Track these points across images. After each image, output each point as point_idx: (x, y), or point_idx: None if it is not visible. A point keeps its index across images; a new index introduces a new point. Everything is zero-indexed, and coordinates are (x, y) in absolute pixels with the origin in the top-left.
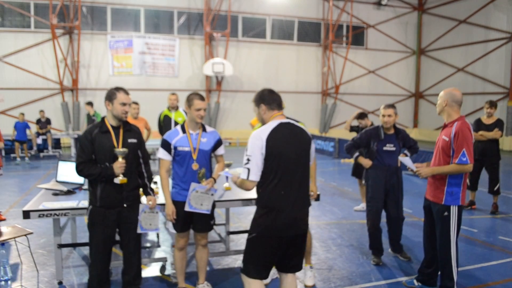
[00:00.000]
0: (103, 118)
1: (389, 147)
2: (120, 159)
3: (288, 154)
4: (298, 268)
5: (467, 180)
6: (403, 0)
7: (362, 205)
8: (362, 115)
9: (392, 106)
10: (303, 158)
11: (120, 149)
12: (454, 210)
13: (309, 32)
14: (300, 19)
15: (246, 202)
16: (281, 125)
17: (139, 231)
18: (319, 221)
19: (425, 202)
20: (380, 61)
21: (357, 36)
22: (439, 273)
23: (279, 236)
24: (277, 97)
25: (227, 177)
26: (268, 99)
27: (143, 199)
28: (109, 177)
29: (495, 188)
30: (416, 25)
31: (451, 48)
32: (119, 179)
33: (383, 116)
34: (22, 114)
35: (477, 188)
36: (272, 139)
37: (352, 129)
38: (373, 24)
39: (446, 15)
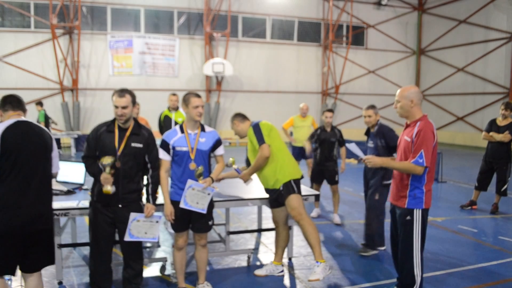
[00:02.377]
0: (114, 118)
1: (370, 143)
2: (107, 170)
3: (27, 150)
4: (40, 266)
5: (476, 181)
6: (403, 0)
7: (316, 210)
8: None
9: (371, 107)
10: (43, 155)
11: (105, 161)
12: (417, 214)
13: (309, 32)
14: (300, 19)
15: (246, 202)
16: (18, 122)
17: (127, 238)
18: (319, 221)
19: (391, 206)
20: (380, 61)
21: (357, 36)
22: (399, 281)
23: (17, 234)
24: (12, 99)
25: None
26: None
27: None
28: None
29: (502, 189)
30: (416, 25)
31: (451, 48)
32: (103, 189)
33: (364, 117)
34: None
35: (486, 189)
36: (9, 136)
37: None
38: (373, 24)
39: (446, 15)
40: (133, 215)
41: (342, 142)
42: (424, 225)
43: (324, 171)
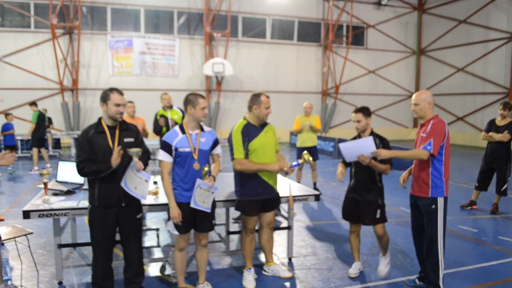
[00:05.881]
0: (99, 119)
1: None
2: (135, 159)
3: None
4: None
5: (476, 181)
6: (403, 0)
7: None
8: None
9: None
10: None
11: (134, 150)
12: (440, 202)
13: (309, 32)
14: (300, 19)
15: None
16: None
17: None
18: (319, 221)
19: (411, 200)
20: (380, 61)
21: (357, 36)
22: (425, 268)
23: None
24: None
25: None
26: None
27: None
28: (109, 170)
29: (502, 189)
30: (416, 25)
31: (451, 48)
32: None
33: None
34: (10, 114)
35: (486, 189)
36: None
37: None
38: (373, 24)
39: (446, 15)
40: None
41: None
42: (445, 213)
43: (360, 204)
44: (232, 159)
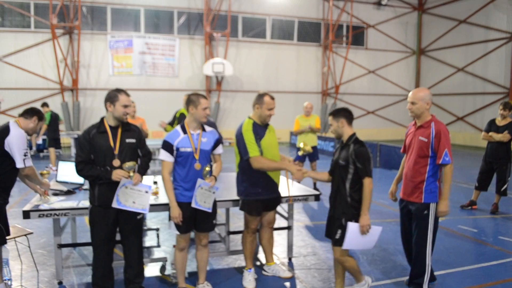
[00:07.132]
0: (102, 119)
1: None
2: (131, 173)
3: None
4: None
5: (476, 181)
6: (403, 0)
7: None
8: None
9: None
10: None
11: (127, 165)
12: (433, 207)
13: (309, 32)
14: (300, 19)
15: None
16: None
17: (114, 205)
18: (319, 221)
19: (401, 204)
20: (380, 61)
21: (357, 36)
22: (410, 269)
23: None
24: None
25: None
26: None
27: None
28: (107, 180)
29: (502, 189)
30: (416, 25)
31: (451, 48)
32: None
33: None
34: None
35: (486, 189)
36: None
37: None
38: (373, 24)
39: (446, 15)
40: (122, 181)
41: (363, 170)
42: (437, 217)
43: (331, 220)
44: (247, 158)
